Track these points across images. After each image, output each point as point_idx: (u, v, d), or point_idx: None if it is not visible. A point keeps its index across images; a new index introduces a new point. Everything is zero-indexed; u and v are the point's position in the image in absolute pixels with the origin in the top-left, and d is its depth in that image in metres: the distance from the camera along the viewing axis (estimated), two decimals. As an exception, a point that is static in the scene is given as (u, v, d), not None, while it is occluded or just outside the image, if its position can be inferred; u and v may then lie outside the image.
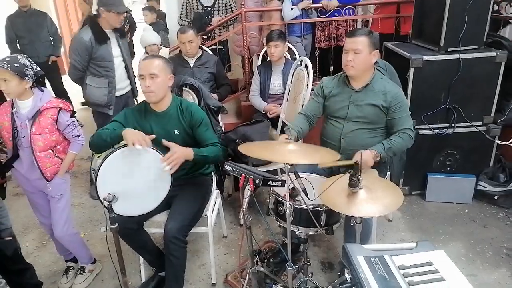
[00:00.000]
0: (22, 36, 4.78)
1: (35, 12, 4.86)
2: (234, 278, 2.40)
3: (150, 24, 4.73)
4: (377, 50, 2.17)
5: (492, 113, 2.95)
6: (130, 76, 3.23)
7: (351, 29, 3.82)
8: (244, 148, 1.75)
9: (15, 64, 1.93)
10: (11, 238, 2.06)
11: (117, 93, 3.16)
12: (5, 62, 1.92)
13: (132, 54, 4.64)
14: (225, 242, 2.77)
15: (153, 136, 1.97)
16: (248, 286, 2.20)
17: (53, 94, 2.18)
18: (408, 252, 1.08)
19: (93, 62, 2.99)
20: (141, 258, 2.36)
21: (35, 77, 2.03)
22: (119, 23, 3.00)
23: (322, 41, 3.90)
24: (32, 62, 2.04)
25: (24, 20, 4.75)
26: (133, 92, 3.33)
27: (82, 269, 2.45)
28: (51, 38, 4.96)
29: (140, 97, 2.54)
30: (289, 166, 1.71)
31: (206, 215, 2.31)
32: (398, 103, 2.15)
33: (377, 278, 0.97)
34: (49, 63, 4.87)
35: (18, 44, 4.84)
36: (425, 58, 2.80)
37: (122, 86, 3.18)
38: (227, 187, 3.29)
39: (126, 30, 3.26)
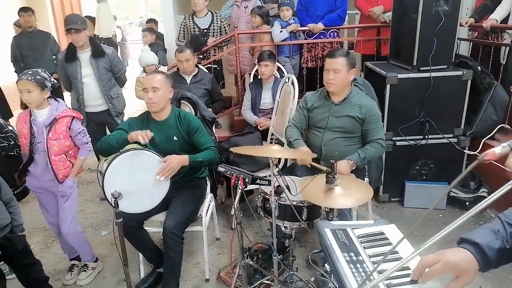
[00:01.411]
0: (27, 54, 5.03)
1: (40, 33, 5.15)
2: (226, 274, 2.60)
3: (149, 45, 5.04)
4: (355, 69, 2.47)
5: (462, 126, 3.24)
6: (104, 95, 3.37)
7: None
8: (236, 149, 2.00)
9: (37, 77, 2.20)
10: (23, 233, 2.25)
11: (91, 109, 3.43)
12: (28, 75, 2.19)
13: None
14: (218, 244, 2.98)
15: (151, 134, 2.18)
16: (238, 280, 2.42)
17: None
18: (366, 226, 1.33)
19: (70, 78, 3.34)
20: (141, 256, 2.57)
21: (52, 89, 2.29)
22: (75, 42, 3.19)
23: (309, 61, 4.21)
24: (49, 75, 2.30)
25: (29, 40, 5.03)
26: (110, 112, 3.44)
27: (85, 267, 2.65)
28: (54, 57, 5.22)
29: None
30: (274, 165, 1.95)
31: (201, 215, 2.54)
32: (372, 115, 2.44)
33: (340, 243, 1.22)
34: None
35: (22, 63, 5.10)
36: (400, 76, 3.11)
37: (94, 103, 3.41)
38: (220, 195, 3.53)
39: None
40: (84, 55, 3.29)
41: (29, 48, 5.03)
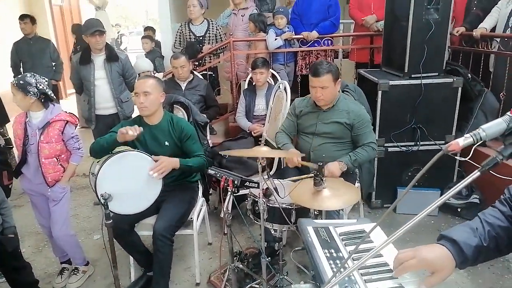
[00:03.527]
0: (26, 61, 5.08)
1: (39, 39, 5.20)
2: (217, 278, 2.60)
3: (147, 52, 5.11)
4: (340, 79, 2.47)
5: (453, 133, 3.27)
6: (114, 98, 3.44)
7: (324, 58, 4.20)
8: (226, 152, 2.03)
9: (21, 82, 2.23)
10: (13, 236, 2.25)
11: (101, 112, 3.49)
12: (14, 79, 2.25)
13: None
14: (210, 248, 2.99)
15: (141, 128, 2.22)
16: (228, 284, 2.42)
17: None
18: (349, 224, 1.34)
19: (82, 80, 3.42)
20: (131, 259, 2.56)
21: (40, 94, 2.28)
22: (97, 44, 3.29)
23: (303, 68, 4.26)
24: (39, 81, 2.29)
25: (28, 46, 5.07)
26: (118, 116, 3.50)
27: (76, 270, 2.64)
28: (53, 64, 5.25)
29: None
30: (263, 166, 1.97)
31: (192, 219, 2.55)
32: (360, 120, 2.46)
33: (321, 240, 1.23)
34: None
35: (22, 69, 5.11)
36: (391, 82, 3.15)
37: (105, 106, 3.47)
38: (213, 201, 3.53)
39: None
40: (99, 59, 3.38)
41: (28, 55, 5.07)
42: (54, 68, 5.26)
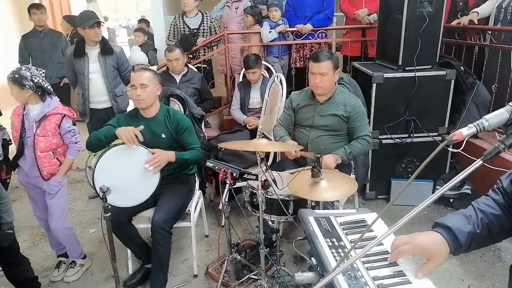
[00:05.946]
0: (35, 56, 4.64)
1: (50, 33, 4.77)
2: (215, 269, 2.62)
3: (140, 45, 5.07)
4: (338, 69, 2.50)
5: (446, 125, 3.31)
6: (108, 92, 3.40)
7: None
8: (225, 145, 2.04)
9: (16, 75, 2.22)
10: (11, 231, 2.24)
11: (95, 106, 3.47)
12: (10, 73, 2.23)
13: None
14: (207, 241, 3.00)
15: (142, 127, 2.24)
16: (226, 275, 2.44)
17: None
18: (349, 214, 1.37)
19: (76, 73, 3.39)
20: (129, 252, 2.57)
21: (36, 88, 2.26)
22: (96, 36, 3.25)
23: (297, 61, 4.27)
24: (34, 74, 2.26)
25: (38, 40, 4.63)
26: (113, 110, 3.46)
27: (73, 263, 2.64)
28: None
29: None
30: (262, 159, 1.99)
31: (189, 211, 2.56)
32: (357, 113, 2.49)
33: (322, 230, 1.26)
34: (61, 85, 4.69)
35: (30, 64, 4.52)
36: (385, 75, 3.18)
37: (99, 99, 3.45)
38: (209, 193, 3.54)
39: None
40: (93, 52, 3.34)
41: (38, 50, 4.63)
42: None
